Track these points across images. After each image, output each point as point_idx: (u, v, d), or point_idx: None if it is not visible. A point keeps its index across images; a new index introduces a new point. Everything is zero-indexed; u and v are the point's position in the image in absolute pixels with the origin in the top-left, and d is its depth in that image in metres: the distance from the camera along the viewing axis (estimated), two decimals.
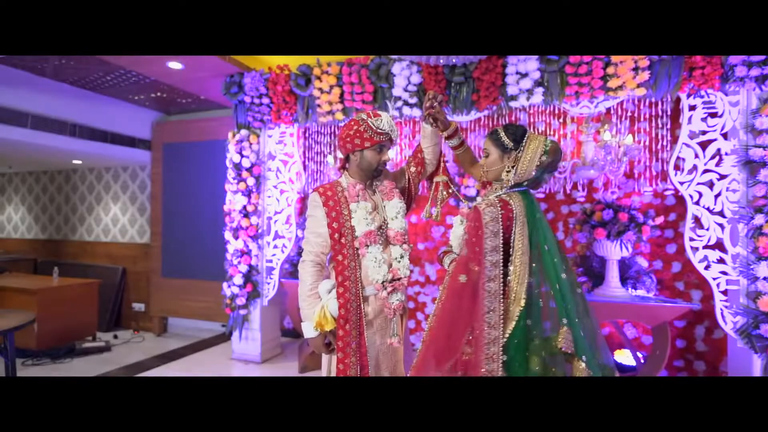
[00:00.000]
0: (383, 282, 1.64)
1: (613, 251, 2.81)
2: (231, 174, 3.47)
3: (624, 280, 2.97)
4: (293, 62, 3.33)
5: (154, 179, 4.87)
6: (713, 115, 2.52)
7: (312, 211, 1.73)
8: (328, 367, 1.72)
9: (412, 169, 1.84)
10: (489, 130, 1.66)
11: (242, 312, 3.46)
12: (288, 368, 3.46)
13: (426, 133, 1.84)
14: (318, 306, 1.67)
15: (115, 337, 4.61)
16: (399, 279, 1.67)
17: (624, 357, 3.20)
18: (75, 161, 5.04)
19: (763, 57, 2.28)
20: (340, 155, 1.81)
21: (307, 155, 3.75)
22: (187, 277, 4.65)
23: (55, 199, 5.82)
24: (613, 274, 2.86)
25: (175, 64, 3.22)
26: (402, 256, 1.70)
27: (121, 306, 5.17)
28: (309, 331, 1.69)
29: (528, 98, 2.74)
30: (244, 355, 3.58)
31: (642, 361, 2.96)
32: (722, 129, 2.49)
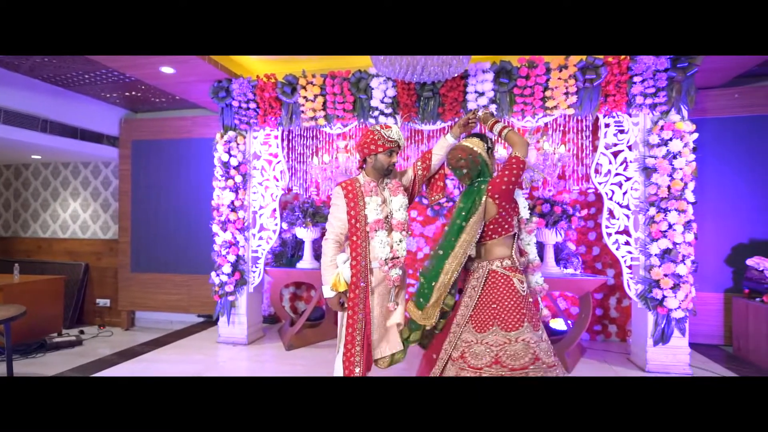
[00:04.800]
0: (385, 259, 2.13)
1: (550, 237, 3.50)
2: (219, 171, 3.74)
3: (558, 261, 3.69)
4: (279, 72, 3.68)
5: (122, 175, 4.91)
6: (621, 132, 3.29)
7: (336, 200, 2.20)
8: (341, 321, 2.20)
9: (420, 172, 2.30)
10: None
11: (230, 298, 3.75)
12: (272, 348, 3.81)
13: (445, 144, 2.29)
14: (335, 273, 2.16)
15: (82, 332, 4.62)
16: (397, 257, 2.17)
17: (557, 323, 3.94)
18: (34, 156, 4.93)
19: (654, 90, 3.07)
20: (359, 158, 2.28)
21: (290, 156, 4.11)
22: (159, 272, 4.78)
23: (1, 195, 5.56)
24: (549, 255, 3.56)
25: (167, 69, 3.43)
26: (401, 240, 2.21)
27: (83, 302, 5.14)
28: (328, 292, 2.17)
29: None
30: (230, 338, 3.86)
31: (570, 326, 3.71)
32: (628, 142, 3.27)
